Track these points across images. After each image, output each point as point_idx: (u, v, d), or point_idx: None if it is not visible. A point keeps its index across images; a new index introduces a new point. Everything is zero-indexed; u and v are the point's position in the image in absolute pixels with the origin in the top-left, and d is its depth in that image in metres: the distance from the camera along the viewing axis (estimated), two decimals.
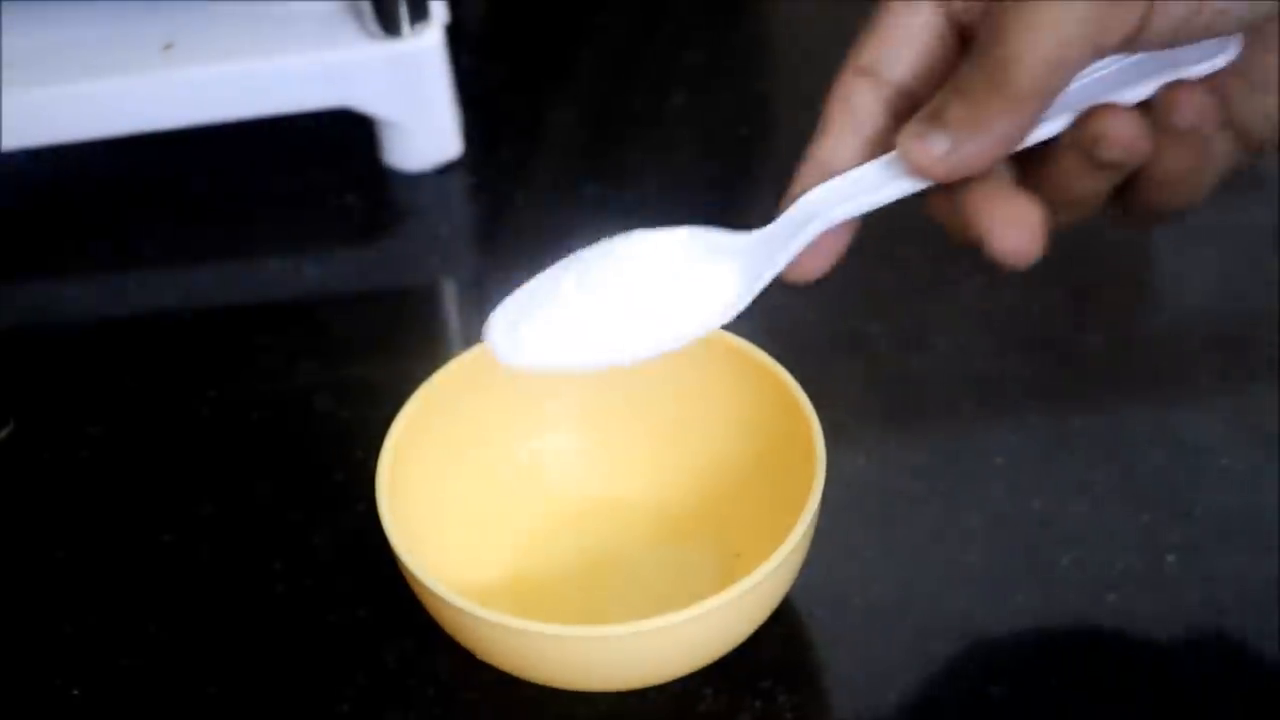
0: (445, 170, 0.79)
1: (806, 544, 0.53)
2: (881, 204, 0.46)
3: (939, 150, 0.44)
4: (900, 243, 0.71)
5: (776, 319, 0.70)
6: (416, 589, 0.53)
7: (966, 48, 0.46)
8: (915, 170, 0.45)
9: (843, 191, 0.47)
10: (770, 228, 0.48)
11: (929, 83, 0.48)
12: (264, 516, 0.63)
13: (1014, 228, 0.45)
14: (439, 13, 0.76)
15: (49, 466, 0.66)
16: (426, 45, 0.75)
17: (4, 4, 0.75)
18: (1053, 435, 0.64)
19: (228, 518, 0.63)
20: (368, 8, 0.74)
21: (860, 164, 0.47)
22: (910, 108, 0.47)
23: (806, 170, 0.48)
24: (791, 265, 0.47)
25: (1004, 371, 0.66)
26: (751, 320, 0.69)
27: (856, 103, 0.48)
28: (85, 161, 0.79)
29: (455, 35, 0.77)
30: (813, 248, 0.47)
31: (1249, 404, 0.64)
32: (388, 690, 0.56)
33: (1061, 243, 0.66)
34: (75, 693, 0.57)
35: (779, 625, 0.55)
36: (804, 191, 0.47)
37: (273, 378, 0.69)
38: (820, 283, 0.71)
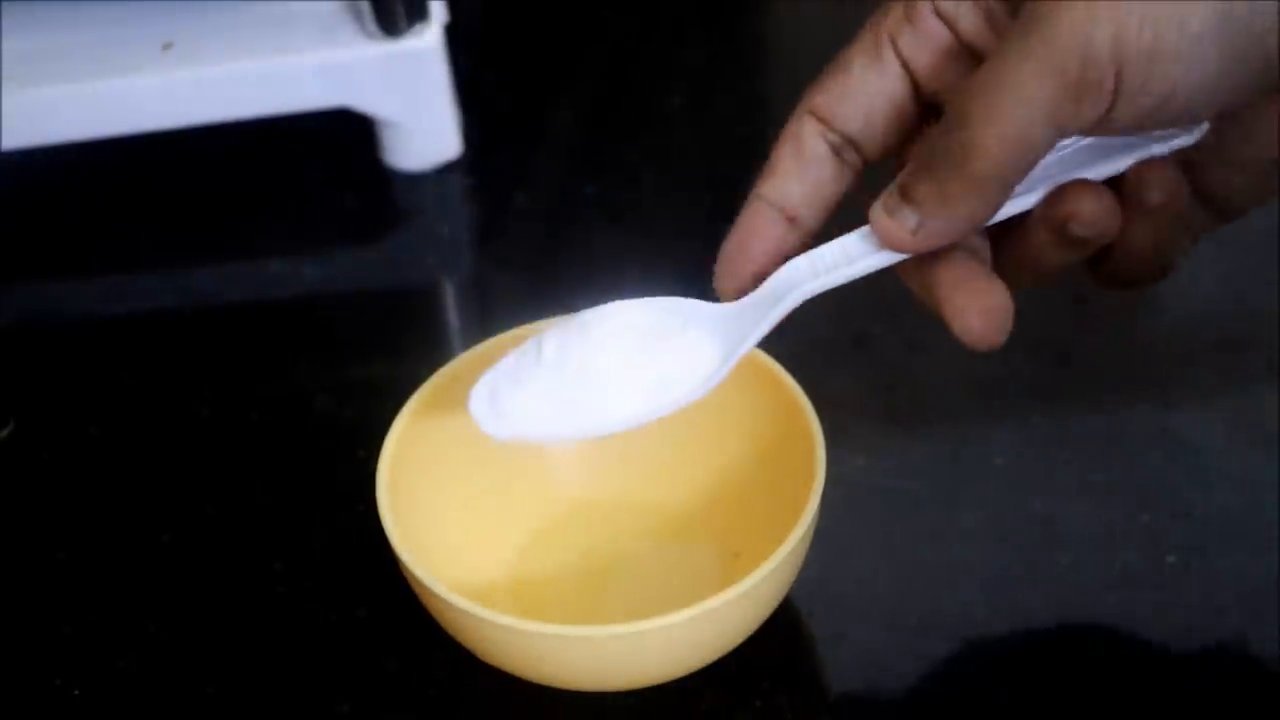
0: (445, 170, 0.79)
1: (806, 544, 0.53)
2: (857, 276, 0.47)
3: (908, 225, 0.45)
4: None
5: None
6: (416, 589, 0.53)
7: (929, 114, 0.47)
8: (886, 244, 0.46)
9: (820, 264, 0.47)
10: (748, 299, 0.49)
11: (882, 141, 0.48)
12: (264, 516, 0.63)
13: (981, 314, 0.46)
14: (438, 13, 0.76)
15: (49, 466, 0.66)
16: (426, 45, 0.75)
17: (4, 4, 0.75)
18: (1053, 435, 0.64)
19: (228, 518, 0.63)
20: (367, 8, 0.74)
21: (803, 207, 0.48)
22: (858, 160, 0.48)
23: (755, 210, 0.48)
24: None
25: (1004, 371, 0.66)
26: None
27: (807, 145, 0.48)
28: (85, 161, 0.79)
29: (455, 35, 0.77)
30: None
31: (1249, 404, 0.64)
32: (388, 690, 0.56)
33: None
34: (75, 693, 0.57)
35: (779, 625, 0.55)
36: (751, 236, 0.48)
37: (273, 378, 0.69)
38: None
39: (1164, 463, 0.62)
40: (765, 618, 0.54)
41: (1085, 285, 0.70)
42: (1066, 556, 0.59)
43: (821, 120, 0.48)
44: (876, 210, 0.46)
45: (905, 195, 0.45)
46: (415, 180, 0.79)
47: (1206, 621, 0.56)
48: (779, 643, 0.56)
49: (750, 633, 0.54)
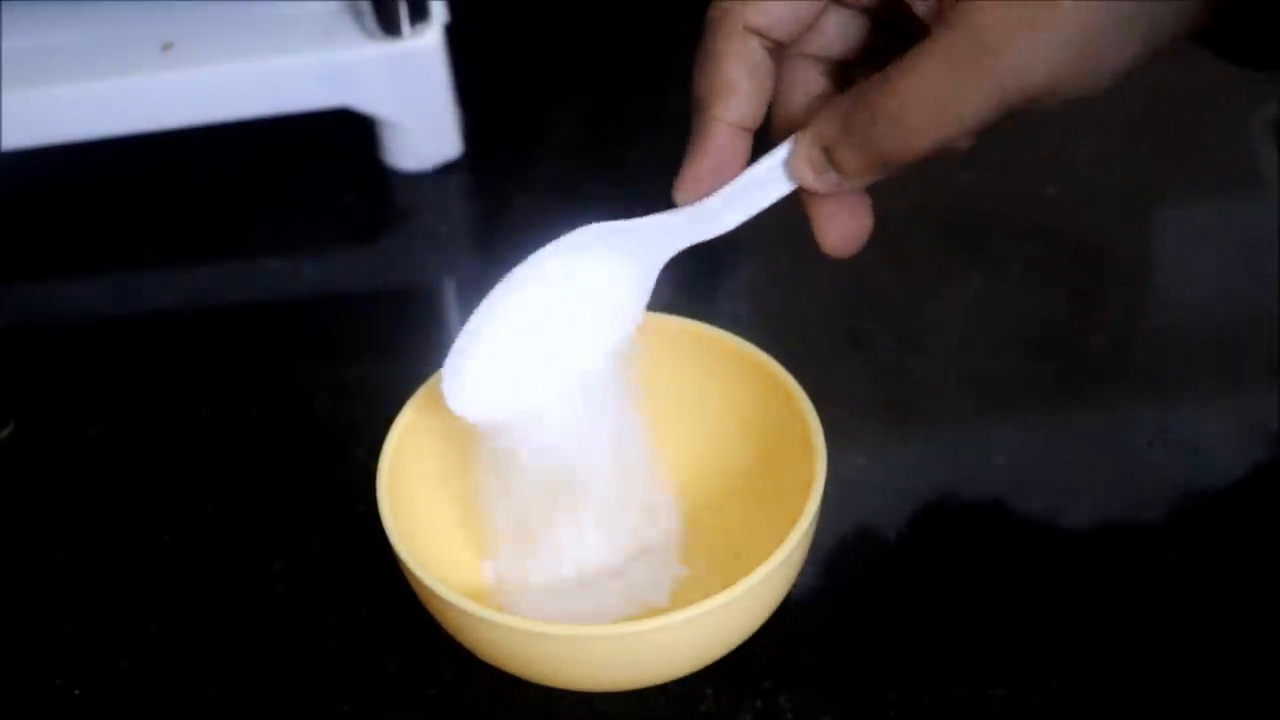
0: (445, 170, 0.79)
1: (806, 544, 0.53)
2: (766, 206, 0.51)
3: (830, 183, 0.49)
4: (900, 243, 0.71)
5: (776, 319, 0.70)
6: (416, 589, 0.53)
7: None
8: (804, 188, 0.50)
9: (737, 190, 0.51)
10: (668, 215, 0.52)
11: (810, 40, 0.51)
12: (264, 516, 0.63)
13: (841, 231, 0.51)
14: (439, 13, 0.76)
15: (49, 466, 0.66)
16: (426, 45, 0.75)
17: (4, 4, 0.75)
18: (1053, 435, 0.64)
19: (228, 518, 0.63)
20: (368, 8, 0.74)
21: (756, 118, 0.51)
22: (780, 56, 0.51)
23: (720, 132, 0.51)
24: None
25: (1004, 371, 0.66)
26: (752, 320, 0.70)
27: (756, 62, 0.50)
28: (85, 161, 0.79)
29: (455, 35, 0.77)
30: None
31: (1249, 404, 0.64)
32: (388, 690, 0.56)
33: (1062, 242, 0.66)
34: (75, 693, 0.57)
35: (779, 625, 0.55)
36: (724, 158, 0.51)
37: (273, 378, 0.69)
38: (820, 282, 0.71)
39: (1164, 463, 0.62)
40: (765, 618, 0.54)
41: (1085, 282, 0.70)
42: (1066, 557, 0.59)
43: (758, 32, 0.50)
44: (800, 163, 0.49)
45: (833, 161, 0.48)
46: (415, 180, 0.79)
47: (1207, 622, 0.56)
48: (779, 643, 0.56)
49: (750, 633, 0.54)
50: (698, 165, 0.51)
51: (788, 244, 0.73)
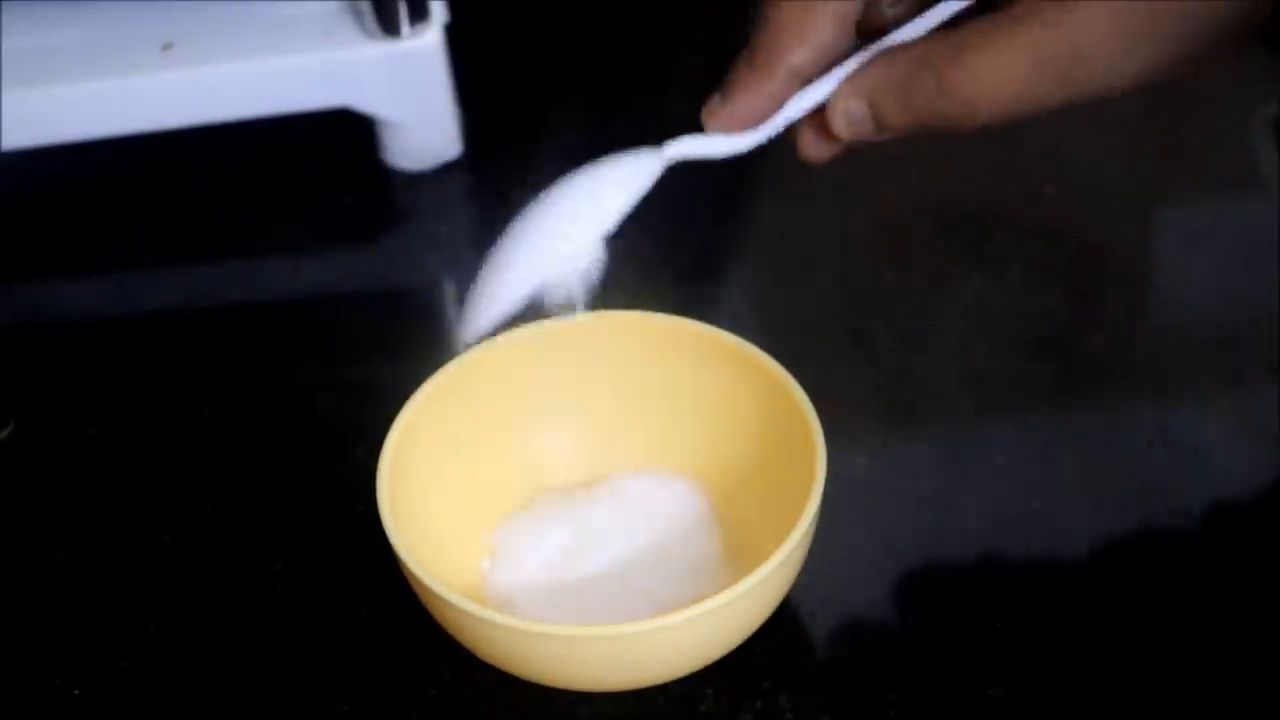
0: (445, 170, 0.79)
1: (806, 544, 0.53)
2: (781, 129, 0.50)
3: (864, 130, 0.49)
4: (900, 243, 0.71)
5: (776, 319, 0.70)
6: (416, 589, 0.53)
7: None
8: (833, 129, 0.49)
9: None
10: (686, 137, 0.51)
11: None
12: (264, 516, 0.63)
13: (823, 151, 0.51)
14: (439, 13, 0.76)
15: (49, 466, 0.66)
16: (426, 45, 0.75)
17: (4, 4, 0.75)
18: (1053, 435, 0.64)
19: (228, 518, 0.63)
20: (368, 8, 0.74)
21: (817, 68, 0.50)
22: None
23: (785, 81, 0.49)
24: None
25: (1004, 371, 0.66)
26: (752, 320, 0.70)
27: (846, 25, 0.49)
28: (85, 161, 0.79)
29: (455, 35, 0.77)
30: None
31: (1249, 404, 0.64)
32: (388, 690, 0.56)
33: (1062, 242, 0.66)
34: (75, 693, 0.57)
35: (779, 625, 0.55)
36: (777, 102, 0.50)
37: (273, 378, 0.69)
38: (821, 282, 0.71)
39: (1164, 463, 0.62)
40: (765, 618, 0.54)
41: (1085, 282, 0.70)
42: (1066, 556, 0.59)
43: None
44: (840, 109, 0.49)
45: (877, 114, 0.48)
46: (415, 180, 0.79)
47: (1207, 622, 0.56)
48: (779, 643, 0.56)
49: (750, 633, 0.54)
50: (746, 103, 0.50)
51: (788, 244, 0.73)
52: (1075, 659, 0.56)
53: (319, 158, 0.80)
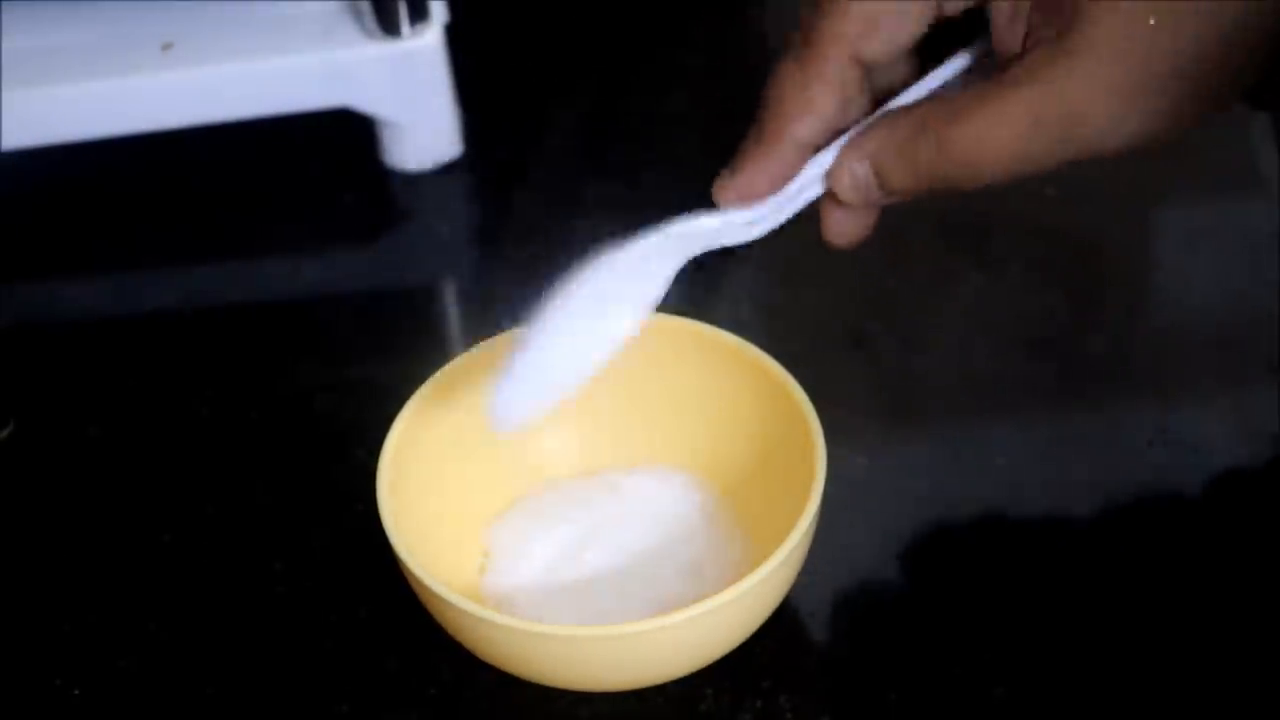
0: (445, 170, 0.79)
1: (807, 544, 0.53)
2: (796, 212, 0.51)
3: (871, 196, 0.50)
4: (900, 243, 0.71)
5: (776, 319, 0.70)
6: (416, 589, 0.53)
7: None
8: (839, 195, 0.50)
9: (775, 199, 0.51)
10: (703, 216, 0.51)
11: (898, 72, 0.50)
12: (264, 516, 0.63)
13: (847, 231, 0.52)
14: (439, 13, 0.76)
15: (49, 466, 0.66)
16: (426, 45, 0.75)
17: (4, 4, 0.75)
18: (1053, 435, 0.64)
19: (228, 518, 0.63)
20: (367, 8, 0.74)
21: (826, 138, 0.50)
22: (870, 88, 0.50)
23: (791, 151, 0.50)
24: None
25: (1004, 371, 0.66)
26: (752, 320, 0.70)
27: (845, 86, 0.49)
28: (85, 161, 0.79)
29: (455, 35, 0.77)
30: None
31: (1249, 404, 0.64)
32: (388, 690, 0.56)
33: (1061, 242, 0.66)
34: (75, 693, 0.57)
35: (779, 625, 0.55)
36: (787, 173, 0.50)
37: (273, 378, 0.69)
38: (821, 282, 0.71)
39: (1164, 463, 0.62)
40: (765, 618, 0.54)
41: (1085, 282, 0.70)
42: (1067, 556, 0.59)
43: (862, 62, 0.49)
44: (843, 175, 0.49)
45: (881, 178, 0.49)
46: (415, 180, 0.79)
47: (1207, 623, 0.56)
48: (779, 643, 0.56)
49: (750, 633, 0.54)
50: (755, 175, 0.50)
51: (789, 244, 0.73)
52: (1076, 659, 0.56)
53: (319, 158, 0.80)
